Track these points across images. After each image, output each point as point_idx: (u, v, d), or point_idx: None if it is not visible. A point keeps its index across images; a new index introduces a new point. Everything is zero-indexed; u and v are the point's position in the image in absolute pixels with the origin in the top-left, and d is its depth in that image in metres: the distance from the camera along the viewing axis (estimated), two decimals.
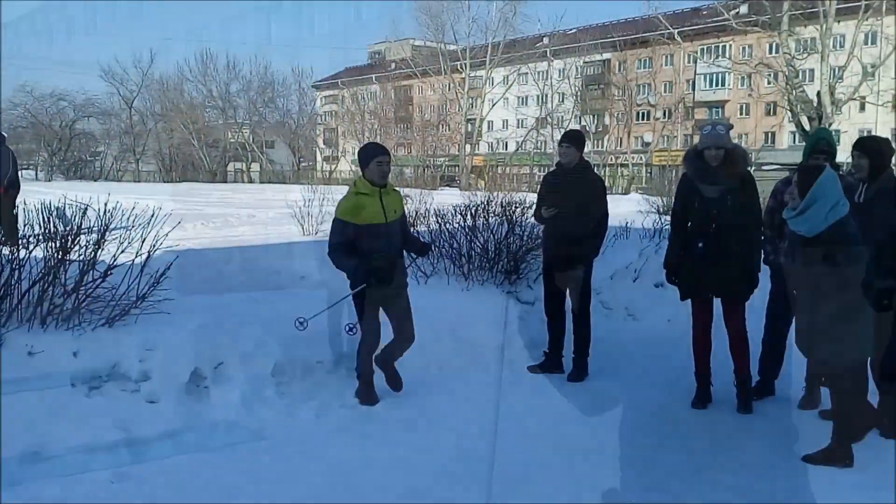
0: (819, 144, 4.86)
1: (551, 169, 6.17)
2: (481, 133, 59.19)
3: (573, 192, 5.62)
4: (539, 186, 6.02)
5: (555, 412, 5.02)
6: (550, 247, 5.85)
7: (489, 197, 8.47)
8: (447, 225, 7.77)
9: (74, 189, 19.39)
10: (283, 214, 12.93)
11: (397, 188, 5.25)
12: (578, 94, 56.72)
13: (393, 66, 64.70)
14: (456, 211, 8.05)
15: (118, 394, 4.37)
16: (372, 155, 4.91)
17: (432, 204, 9.24)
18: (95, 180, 52.66)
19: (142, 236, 5.07)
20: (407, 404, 4.90)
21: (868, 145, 4.56)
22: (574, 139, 5.76)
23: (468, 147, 55.44)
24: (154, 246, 5.08)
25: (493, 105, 56.45)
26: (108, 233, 4.97)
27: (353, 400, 4.91)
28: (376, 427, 4.58)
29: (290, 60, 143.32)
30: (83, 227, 4.90)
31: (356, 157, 5.10)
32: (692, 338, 5.16)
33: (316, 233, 10.36)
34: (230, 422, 4.48)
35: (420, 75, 59.57)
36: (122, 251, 4.97)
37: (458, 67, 54.76)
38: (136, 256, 4.98)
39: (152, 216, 5.25)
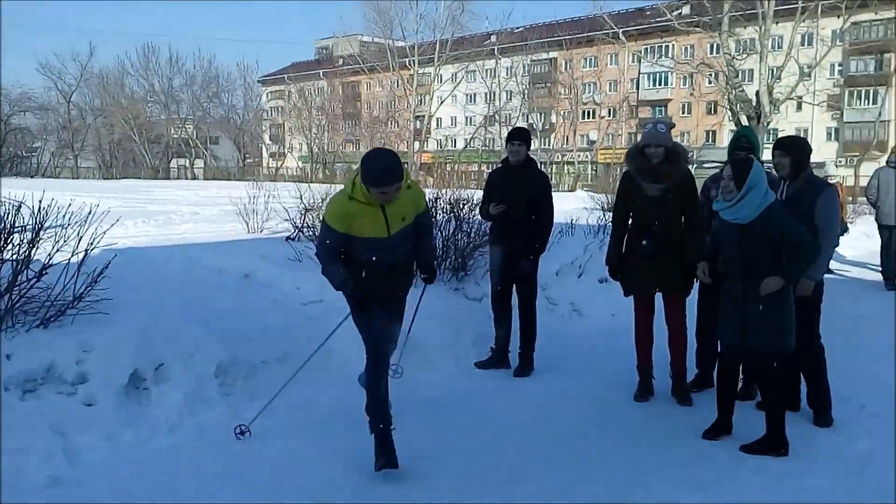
0: (740, 141, 5.09)
1: (497, 166, 6.21)
2: (430, 130, 59.20)
3: (520, 188, 5.67)
4: (485, 183, 6.06)
5: (502, 407, 5.05)
6: (497, 243, 5.89)
7: (437, 194, 8.47)
8: None
9: (9, 186, 18.75)
10: (228, 212, 12.71)
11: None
12: (526, 91, 57.18)
13: (340, 61, 64.21)
14: None
15: (54, 397, 4.24)
16: (374, 181, 3.79)
17: None
18: (32, 177, 50.88)
19: (78, 234, 4.93)
20: (354, 403, 4.87)
21: (789, 145, 4.73)
22: (525, 137, 5.81)
23: (417, 144, 55.39)
24: (91, 244, 4.94)
25: (442, 102, 56.51)
26: (42, 231, 4.81)
27: (299, 399, 4.85)
28: (322, 426, 4.54)
29: (235, 55, 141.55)
30: (17, 225, 4.73)
31: (360, 169, 3.86)
32: (634, 332, 5.26)
33: (261, 230, 10.22)
34: (172, 423, 4.39)
35: (368, 71, 59.27)
36: (58, 250, 4.82)
37: (407, 64, 54.63)
38: (73, 255, 4.84)
39: (89, 213, 5.11)
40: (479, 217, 6.77)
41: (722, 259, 4.35)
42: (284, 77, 70.68)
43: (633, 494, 3.77)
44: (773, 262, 4.14)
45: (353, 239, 3.97)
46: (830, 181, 10.07)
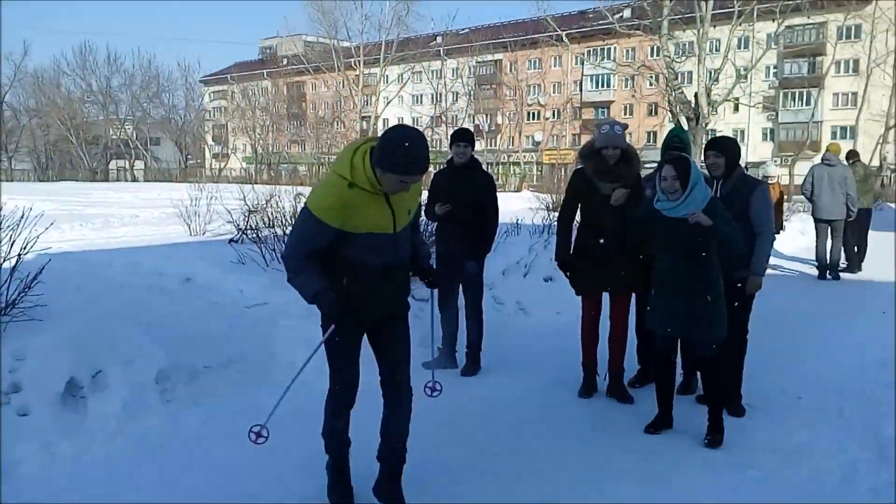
0: (672, 141, 5.25)
1: (442, 167, 6.22)
2: (377, 131, 58.99)
3: (465, 189, 5.69)
4: (430, 184, 6.05)
5: (449, 407, 5.05)
6: (443, 243, 5.90)
7: None
8: None
9: None
10: (169, 214, 12.46)
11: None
12: (471, 92, 57.48)
13: (285, 61, 63.54)
14: None
15: None
16: (404, 167, 3.00)
17: None
18: None
19: (11, 239, 4.76)
20: (301, 408, 4.81)
21: (724, 145, 4.86)
22: (470, 138, 5.84)
23: None
24: (25, 248, 4.78)
25: (388, 103, 56.42)
26: None
27: (242, 404, 4.77)
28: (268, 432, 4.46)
29: (176, 54, 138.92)
30: None
31: (380, 147, 3.02)
32: (581, 330, 5.31)
33: (203, 233, 10.04)
34: (110, 432, 4.26)
35: (313, 72, 58.80)
36: None
37: (352, 64, 54.38)
38: (5, 260, 4.67)
39: (23, 217, 4.94)
40: (424, 217, 6.77)
41: (663, 256, 4.42)
42: (227, 77, 69.64)
43: (584, 491, 3.80)
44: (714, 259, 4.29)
45: (348, 237, 3.09)
46: (770, 181, 10.43)
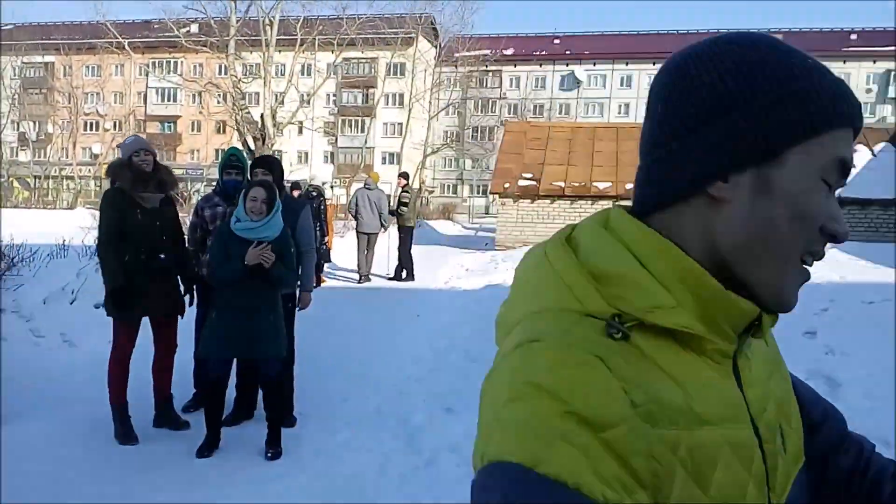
0: (230, 160, 5.36)
1: None
2: None
3: None
4: None
5: None
6: None
7: None
8: None
9: None
10: None
11: None
12: (16, 97, 50.66)
13: None
14: None
15: None
16: (838, 97, 0.72)
17: None
18: None
19: None
20: None
21: (272, 163, 5.15)
22: None
23: None
24: None
25: None
26: None
27: None
28: None
29: None
30: None
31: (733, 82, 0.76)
32: (113, 365, 4.81)
33: None
34: None
35: None
36: None
37: None
38: None
39: None
40: None
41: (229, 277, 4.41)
42: None
43: None
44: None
45: None
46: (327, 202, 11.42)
